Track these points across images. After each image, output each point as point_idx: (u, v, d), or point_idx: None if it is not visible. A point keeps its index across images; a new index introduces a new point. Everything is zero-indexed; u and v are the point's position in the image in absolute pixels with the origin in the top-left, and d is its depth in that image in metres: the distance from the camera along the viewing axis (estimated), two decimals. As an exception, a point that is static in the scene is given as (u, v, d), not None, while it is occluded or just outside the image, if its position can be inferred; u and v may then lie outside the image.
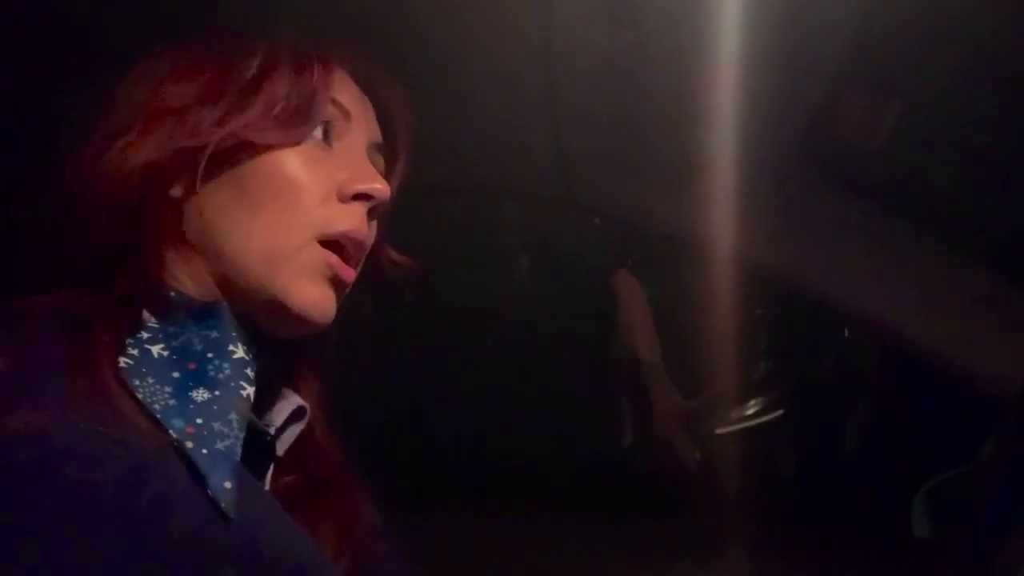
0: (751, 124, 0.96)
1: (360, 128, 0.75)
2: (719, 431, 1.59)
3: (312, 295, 0.69)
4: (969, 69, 1.00)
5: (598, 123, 1.03)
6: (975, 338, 1.05)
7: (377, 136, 0.77)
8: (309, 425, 0.76)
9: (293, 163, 0.70)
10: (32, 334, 0.62)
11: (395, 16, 0.90)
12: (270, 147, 0.69)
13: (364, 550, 0.75)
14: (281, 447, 0.74)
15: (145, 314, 0.67)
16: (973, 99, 1.02)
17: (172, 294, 0.68)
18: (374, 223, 0.74)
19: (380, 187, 0.72)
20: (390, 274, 0.81)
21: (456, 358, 1.48)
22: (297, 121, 0.70)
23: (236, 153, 0.69)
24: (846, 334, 1.53)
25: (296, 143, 0.70)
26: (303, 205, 0.69)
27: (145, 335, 0.65)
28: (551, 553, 1.30)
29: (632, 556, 1.31)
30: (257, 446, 0.67)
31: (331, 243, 0.70)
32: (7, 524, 0.54)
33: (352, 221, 0.71)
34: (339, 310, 0.72)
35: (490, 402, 1.48)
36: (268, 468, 0.73)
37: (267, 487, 0.72)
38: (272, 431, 0.72)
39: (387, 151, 0.79)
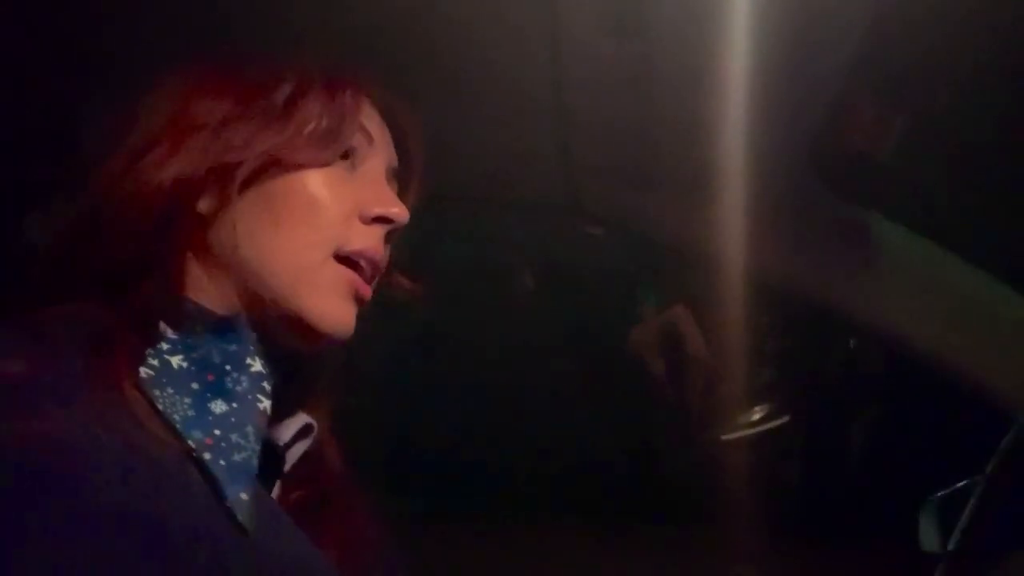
0: (758, 134, 0.96)
1: (381, 153, 0.77)
2: (725, 437, 1.58)
3: (334, 311, 0.70)
4: (974, 80, 1.00)
5: (605, 133, 1.03)
6: (982, 348, 1.05)
7: (394, 161, 0.79)
8: (316, 441, 0.77)
9: (319, 183, 0.71)
10: (53, 342, 0.63)
11: (402, 27, 0.90)
12: (299, 166, 0.70)
13: (367, 564, 0.75)
14: (287, 463, 0.74)
15: (163, 326, 0.67)
16: (979, 110, 1.02)
17: (191, 306, 0.69)
18: (387, 247, 0.76)
19: (399, 211, 0.74)
20: (395, 295, 0.82)
21: (461, 369, 1.48)
22: (327, 143, 0.71)
23: (265, 171, 0.70)
24: (852, 344, 1.53)
25: (325, 164, 0.71)
26: (325, 223, 0.70)
27: (165, 346, 0.65)
28: (555, 562, 1.31)
29: (636, 562, 1.31)
30: (266, 460, 0.67)
31: (347, 261, 0.71)
32: (24, 530, 0.54)
33: (370, 241, 0.72)
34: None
35: (495, 413, 1.48)
36: (275, 482, 0.74)
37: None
38: (281, 445, 0.73)
39: (401, 177, 0.81)
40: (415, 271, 0.85)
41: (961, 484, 1.19)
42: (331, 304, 0.70)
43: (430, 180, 0.82)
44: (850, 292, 1.09)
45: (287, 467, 0.74)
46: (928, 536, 1.19)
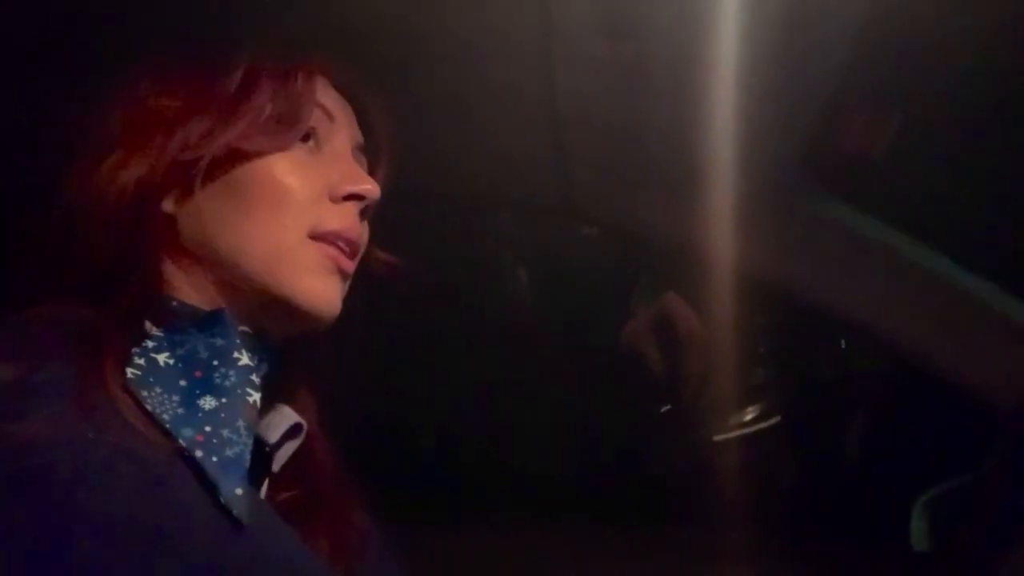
0: (751, 135, 0.96)
1: (343, 130, 0.76)
2: (717, 438, 1.59)
3: (317, 290, 0.70)
4: (967, 81, 1.00)
5: (598, 133, 1.03)
6: (974, 348, 1.06)
7: (359, 138, 0.79)
8: (306, 439, 0.76)
9: (283, 167, 0.70)
10: (40, 344, 0.62)
11: (396, 31, 0.90)
12: (260, 154, 0.70)
13: (360, 563, 0.75)
14: (276, 463, 0.74)
15: (148, 324, 0.67)
16: (971, 111, 1.02)
17: (174, 304, 0.69)
18: (365, 223, 0.76)
19: (370, 187, 0.74)
20: (378, 273, 0.82)
21: (454, 368, 1.48)
22: (285, 127, 0.71)
23: (227, 162, 0.69)
24: (843, 344, 1.53)
25: (284, 148, 0.71)
26: (295, 206, 0.70)
27: (151, 344, 0.65)
28: (547, 561, 1.30)
29: (628, 563, 1.31)
30: (254, 461, 0.67)
31: (324, 240, 0.71)
32: (15, 533, 0.54)
33: (345, 220, 0.72)
34: (337, 319, 0.73)
35: (489, 412, 1.48)
36: (264, 481, 0.73)
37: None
38: (269, 444, 0.73)
39: (369, 152, 0.80)
40: (410, 271, 0.85)
41: (953, 484, 1.20)
42: (314, 282, 0.70)
43: (423, 180, 0.82)
44: (842, 292, 1.10)
45: (276, 467, 0.74)
46: (920, 536, 1.19)
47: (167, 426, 0.61)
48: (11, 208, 0.72)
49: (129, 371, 0.63)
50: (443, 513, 1.29)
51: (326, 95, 0.76)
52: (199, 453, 0.61)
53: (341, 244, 0.71)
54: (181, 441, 0.61)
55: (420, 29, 0.91)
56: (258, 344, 0.70)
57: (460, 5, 0.89)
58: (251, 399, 0.66)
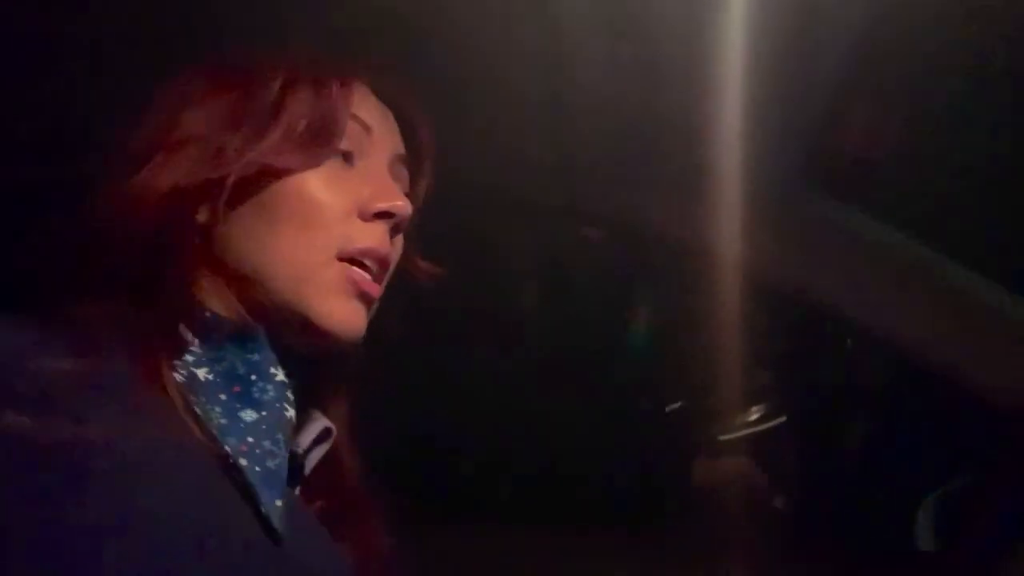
0: (754, 134, 0.96)
1: (382, 142, 0.74)
2: (722, 438, 1.59)
3: (339, 312, 0.69)
4: (971, 82, 1.00)
5: (601, 133, 1.03)
6: (978, 349, 1.05)
7: (400, 148, 0.77)
8: (334, 445, 0.76)
9: (314, 184, 0.69)
10: (97, 342, 0.62)
11: (399, 27, 0.90)
12: (291, 171, 0.69)
13: (380, 570, 0.76)
14: (307, 467, 0.74)
15: (188, 335, 0.66)
16: (975, 112, 1.02)
17: (208, 315, 0.68)
18: (398, 239, 0.74)
19: (401, 204, 0.72)
20: (419, 282, 0.80)
21: (451, 369, 1.48)
22: (318, 143, 0.69)
23: (256, 179, 0.68)
24: (849, 344, 1.53)
25: (316, 165, 0.69)
26: (324, 224, 0.69)
27: (190, 359, 0.65)
28: (549, 561, 1.31)
29: (631, 563, 1.31)
30: (288, 465, 0.67)
31: (353, 261, 0.70)
32: (85, 530, 0.54)
33: (374, 239, 0.70)
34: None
35: (489, 413, 1.48)
36: (296, 488, 0.73)
37: None
38: (300, 451, 0.73)
39: (411, 163, 0.78)
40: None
41: (957, 484, 1.20)
42: (336, 305, 0.68)
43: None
44: (846, 293, 1.10)
45: (307, 471, 0.74)
46: (925, 536, 1.19)
47: (214, 432, 0.62)
48: (45, 215, 0.72)
49: (177, 376, 0.63)
50: (444, 514, 1.29)
51: (365, 105, 0.74)
52: (244, 462, 0.61)
53: (369, 263, 0.70)
54: (227, 448, 0.61)
55: (424, 29, 0.91)
56: (285, 357, 0.69)
57: (462, 5, 0.89)
58: (288, 414, 0.66)
